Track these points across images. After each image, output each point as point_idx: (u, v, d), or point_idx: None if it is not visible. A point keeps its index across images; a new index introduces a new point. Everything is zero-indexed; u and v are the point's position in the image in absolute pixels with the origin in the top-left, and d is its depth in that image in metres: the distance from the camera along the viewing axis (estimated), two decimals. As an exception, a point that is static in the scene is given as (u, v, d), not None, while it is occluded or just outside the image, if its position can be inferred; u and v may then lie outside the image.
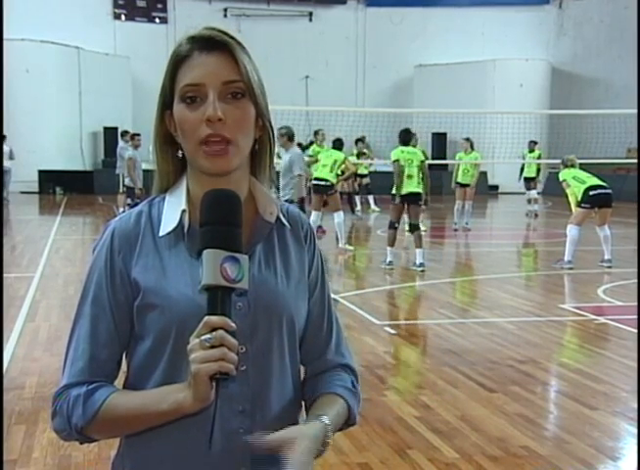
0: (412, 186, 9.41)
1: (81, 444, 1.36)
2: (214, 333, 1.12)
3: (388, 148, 18.66)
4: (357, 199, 17.09)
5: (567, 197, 10.10)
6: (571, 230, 9.84)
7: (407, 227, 9.79)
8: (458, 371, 5.19)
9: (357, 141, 17.67)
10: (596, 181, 9.82)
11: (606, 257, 9.85)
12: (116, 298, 1.30)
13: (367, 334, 6.23)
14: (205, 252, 1.15)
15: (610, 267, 9.67)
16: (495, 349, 5.88)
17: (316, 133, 14.60)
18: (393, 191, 9.52)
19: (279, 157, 17.43)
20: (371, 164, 18.62)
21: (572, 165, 10.14)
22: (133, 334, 1.33)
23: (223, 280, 1.14)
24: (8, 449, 3.74)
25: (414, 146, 10.28)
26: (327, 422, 1.29)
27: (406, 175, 9.37)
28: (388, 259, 9.50)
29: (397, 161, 9.45)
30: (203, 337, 1.13)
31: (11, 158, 20.06)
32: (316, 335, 1.42)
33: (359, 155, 17.19)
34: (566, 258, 9.75)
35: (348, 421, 1.41)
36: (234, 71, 1.26)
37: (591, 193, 9.67)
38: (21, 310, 6.90)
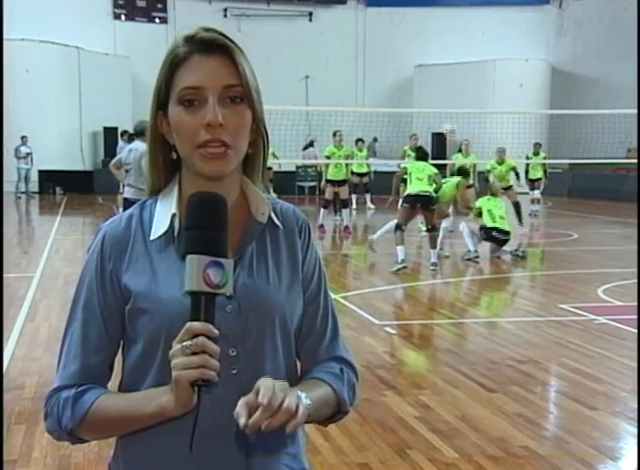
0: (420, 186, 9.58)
1: (73, 444, 1.37)
2: (196, 340, 1.12)
3: (387, 148, 18.67)
4: (354, 198, 17.27)
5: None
6: (463, 228, 10.54)
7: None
8: (458, 371, 5.19)
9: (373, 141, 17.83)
10: (498, 224, 10.49)
11: (434, 258, 9.73)
12: (108, 303, 1.31)
13: (367, 334, 6.23)
14: (188, 257, 1.15)
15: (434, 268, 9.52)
16: (495, 349, 5.88)
17: (334, 134, 14.45)
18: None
19: (275, 156, 17.51)
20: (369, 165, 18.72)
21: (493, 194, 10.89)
22: (125, 337, 1.33)
23: (206, 286, 1.14)
24: (8, 449, 3.73)
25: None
26: (299, 393, 1.21)
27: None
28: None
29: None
30: (184, 343, 1.13)
31: (17, 156, 20.50)
32: (311, 330, 1.41)
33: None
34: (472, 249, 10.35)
35: (340, 408, 1.37)
36: (234, 76, 1.24)
37: (493, 233, 10.42)
38: (21, 310, 6.90)
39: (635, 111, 16.41)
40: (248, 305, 1.29)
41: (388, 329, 6.40)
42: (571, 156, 21.17)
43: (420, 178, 9.42)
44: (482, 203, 10.65)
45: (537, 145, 17.85)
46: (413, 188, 9.42)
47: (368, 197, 18.37)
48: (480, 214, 10.60)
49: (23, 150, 20.76)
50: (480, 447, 3.84)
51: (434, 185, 9.56)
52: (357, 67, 27.64)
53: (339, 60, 27.02)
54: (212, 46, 1.25)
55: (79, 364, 1.30)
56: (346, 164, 13.94)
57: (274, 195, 1.49)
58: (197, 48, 1.25)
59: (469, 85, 25.08)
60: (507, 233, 10.55)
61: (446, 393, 4.74)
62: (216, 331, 1.14)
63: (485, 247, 10.66)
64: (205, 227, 1.16)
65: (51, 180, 22.36)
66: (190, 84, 1.24)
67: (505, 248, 10.58)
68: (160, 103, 1.29)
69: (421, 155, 10.04)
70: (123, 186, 8.39)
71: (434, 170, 9.69)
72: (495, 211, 10.46)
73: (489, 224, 10.43)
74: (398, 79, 27.42)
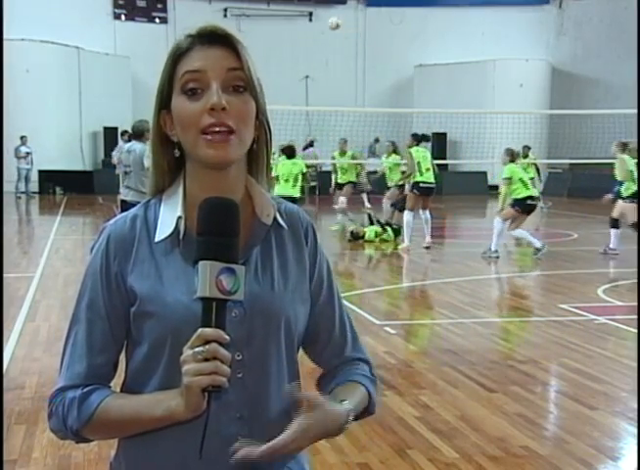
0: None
1: (77, 443, 1.37)
2: (207, 346, 1.12)
3: (386, 148, 18.67)
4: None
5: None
6: (498, 224, 10.56)
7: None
8: (458, 371, 5.19)
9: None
10: (531, 191, 10.49)
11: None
12: (112, 302, 1.30)
13: (367, 334, 6.22)
14: (200, 263, 1.14)
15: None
16: (495, 349, 5.88)
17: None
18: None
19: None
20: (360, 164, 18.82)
21: (513, 161, 10.63)
22: (130, 338, 1.33)
23: (218, 292, 1.14)
24: (8, 449, 3.73)
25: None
26: (350, 407, 1.30)
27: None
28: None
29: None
30: (196, 349, 1.12)
31: (17, 156, 20.58)
32: (331, 335, 1.42)
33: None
34: (493, 248, 10.50)
35: (368, 408, 1.41)
36: (236, 61, 1.25)
37: (528, 202, 10.37)
38: (21, 310, 6.90)
39: (635, 111, 16.41)
40: (253, 309, 1.28)
41: (388, 329, 6.40)
42: (571, 156, 21.16)
43: (286, 180, 9.57)
44: (514, 172, 10.40)
45: (525, 148, 17.75)
46: (278, 190, 9.50)
47: (365, 197, 18.33)
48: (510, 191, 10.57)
49: (23, 150, 20.79)
50: (480, 447, 3.84)
51: (302, 183, 9.81)
52: (357, 67, 27.63)
53: (339, 60, 27.01)
54: (214, 36, 1.26)
55: (85, 364, 1.30)
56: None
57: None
58: (199, 40, 1.26)
59: (469, 85, 25.08)
60: (536, 198, 10.68)
61: (446, 393, 4.73)
62: (227, 337, 1.14)
63: (483, 247, 10.65)
64: (217, 233, 1.16)
65: (51, 180, 22.35)
66: (192, 68, 1.24)
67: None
68: (164, 101, 1.29)
69: (288, 153, 9.98)
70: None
71: (302, 169, 9.84)
72: (525, 178, 10.55)
73: (523, 194, 10.34)
74: (398, 79, 27.41)
